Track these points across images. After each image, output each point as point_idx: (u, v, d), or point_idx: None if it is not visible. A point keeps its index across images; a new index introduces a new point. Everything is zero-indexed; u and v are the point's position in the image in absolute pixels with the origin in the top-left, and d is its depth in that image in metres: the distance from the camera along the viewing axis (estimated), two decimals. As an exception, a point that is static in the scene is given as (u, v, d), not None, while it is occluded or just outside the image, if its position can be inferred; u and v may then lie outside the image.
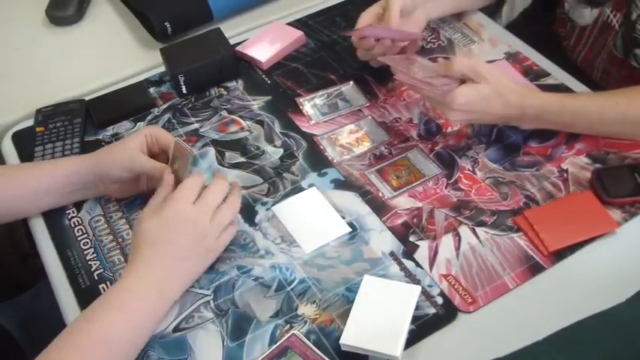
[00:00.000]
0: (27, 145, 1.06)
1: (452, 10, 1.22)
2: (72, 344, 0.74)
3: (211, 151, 1.04)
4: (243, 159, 1.02)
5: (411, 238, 0.90)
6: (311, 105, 1.10)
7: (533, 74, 1.11)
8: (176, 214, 0.82)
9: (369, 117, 1.07)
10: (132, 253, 0.83)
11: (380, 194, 0.96)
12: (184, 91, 1.13)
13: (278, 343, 0.79)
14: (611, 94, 0.97)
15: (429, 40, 1.20)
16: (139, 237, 0.82)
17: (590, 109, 0.95)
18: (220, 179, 0.88)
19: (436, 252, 0.88)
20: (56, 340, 0.75)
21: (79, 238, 0.93)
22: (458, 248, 0.88)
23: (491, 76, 0.92)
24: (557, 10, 1.25)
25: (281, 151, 1.03)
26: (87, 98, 1.13)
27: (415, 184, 0.96)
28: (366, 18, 1.08)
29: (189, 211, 0.83)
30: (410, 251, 0.88)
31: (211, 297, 0.85)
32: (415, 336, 0.79)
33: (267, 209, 0.95)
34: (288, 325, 0.82)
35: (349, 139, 1.04)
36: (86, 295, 0.87)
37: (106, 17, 1.34)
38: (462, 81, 0.92)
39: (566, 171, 0.96)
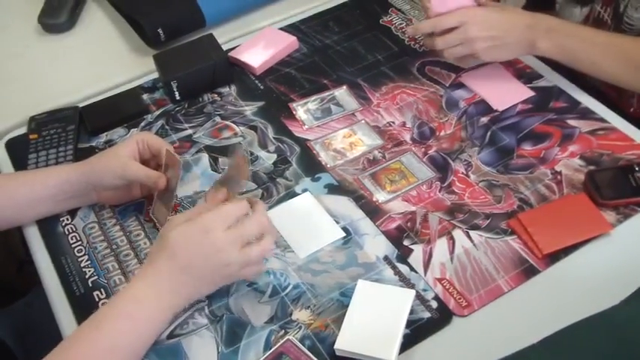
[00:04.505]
0: (20, 152, 1.06)
1: None
2: (78, 352, 0.74)
3: (205, 157, 1.04)
4: (236, 164, 1.02)
5: (405, 242, 0.90)
6: (304, 110, 1.10)
7: (526, 77, 1.11)
8: (206, 235, 0.78)
9: (363, 121, 1.07)
10: (149, 257, 0.81)
11: (374, 198, 0.95)
12: (177, 97, 1.13)
13: (273, 349, 0.78)
14: (618, 35, 1.03)
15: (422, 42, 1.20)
16: (161, 243, 0.79)
17: (597, 41, 1.01)
18: (260, 210, 0.83)
19: (430, 256, 0.88)
20: (61, 345, 0.74)
21: (73, 246, 0.93)
22: (452, 252, 0.88)
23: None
24: (550, 11, 1.25)
25: (274, 156, 1.03)
26: (80, 105, 1.13)
27: (409, 187, 0.96)
28: None
29: (220, 238, 0.78)
30: (404, 255, 0.88)
31: (206, 303, 0.85)
32: (410, 340, 0.79)
33: (261, 215, 0.95)
34: (283, 331, 0.81)
35: (343, 143, 1.04)
36: (80, 302, 0.87)
37: (99, 24, 1.34)
38: None
39: (560, 173, 0.96)
